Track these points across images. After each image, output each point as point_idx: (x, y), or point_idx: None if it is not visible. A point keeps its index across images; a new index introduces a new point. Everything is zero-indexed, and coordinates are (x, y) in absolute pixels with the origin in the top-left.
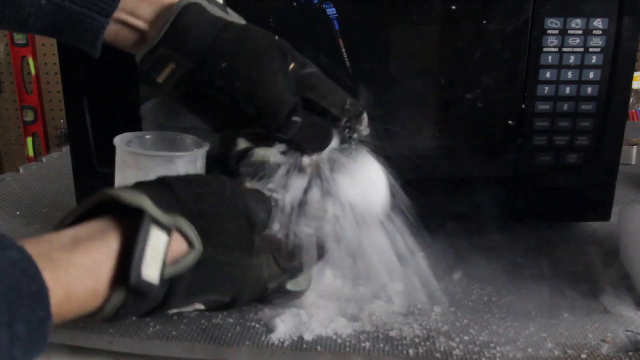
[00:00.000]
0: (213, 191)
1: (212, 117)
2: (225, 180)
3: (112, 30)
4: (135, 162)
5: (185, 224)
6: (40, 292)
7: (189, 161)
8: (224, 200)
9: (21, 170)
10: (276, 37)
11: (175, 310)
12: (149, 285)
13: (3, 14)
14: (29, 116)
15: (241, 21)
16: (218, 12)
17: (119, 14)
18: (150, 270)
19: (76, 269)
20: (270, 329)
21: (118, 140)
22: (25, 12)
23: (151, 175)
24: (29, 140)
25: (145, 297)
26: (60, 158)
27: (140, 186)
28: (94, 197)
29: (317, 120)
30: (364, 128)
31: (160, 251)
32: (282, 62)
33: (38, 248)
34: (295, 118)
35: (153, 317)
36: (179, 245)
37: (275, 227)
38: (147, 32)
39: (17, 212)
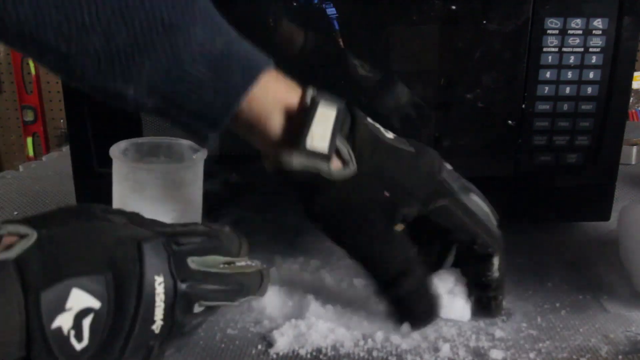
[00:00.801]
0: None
1: None
2: None
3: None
4: (132, 174)
5: (12, 226)
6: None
7: (186, 170)
8: (59, 208)
9: (21, 169)
10: (386, 194)
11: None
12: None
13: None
14: (29, 116)
15: (349, 169)
16: (319, 165)
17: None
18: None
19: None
20: (269, 343)
21: (114, 149)
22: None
23: (147, 188)
24: (29, 140)
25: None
26: (60, 158)
27: None
28: None
29: (425, 294)
30: (492, 272)
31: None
32: (386, 224)
33: None
34: (404, 277)
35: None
36: (14, 241)
37: None
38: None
39: (15, 212)
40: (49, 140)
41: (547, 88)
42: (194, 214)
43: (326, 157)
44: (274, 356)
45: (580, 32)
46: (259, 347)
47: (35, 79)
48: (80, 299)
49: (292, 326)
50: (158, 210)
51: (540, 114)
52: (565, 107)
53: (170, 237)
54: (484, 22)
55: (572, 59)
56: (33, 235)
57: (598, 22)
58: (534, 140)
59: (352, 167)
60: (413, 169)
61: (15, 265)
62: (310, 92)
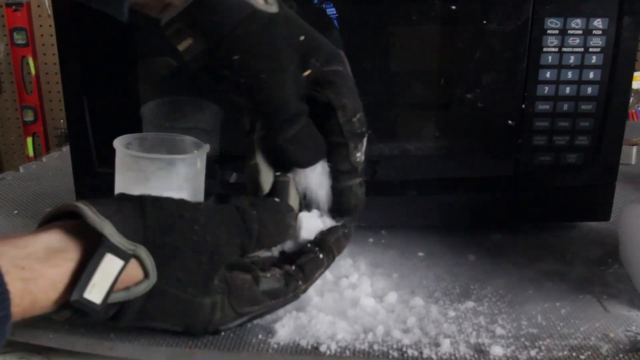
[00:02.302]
0: (183, 224)
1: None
2: (201, 212)
3: None
4: (135, 164)
5: (144, 253)
6: (1, 294)
7: (189, 163)
8: (191, 235)
9: (21, 170)
10: (302, 38)
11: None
12: (90, 304)
13: None
14: (29, 116)
15: (272, 8)
16: None
17: None
18: (95, 293)
19: (44, 281)
20: (270, 333)
21: (118, 142)
22: None
23: (151, 178)
24: (29, 140)
25: (89, 316)
26: (60, 158)
27: (112, 204)
28: (66, 206)
29: (314, 134)
30: (359, 154)
31: (111, 275)
32: (297, 66)
33: (13, 253)
34: (294, 124)
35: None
36: (135, 272)
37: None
38: (173, 1)
39: (15, 211)
40: (49, 140)
41: (547, 88)
42: None
43: None
44: (274, 346)
45: (580, 32)
46: (260, 336)
47: (35, 79)
48: None
49: (293, 318)
50: None
51: (540, 114)
52: (565, 107)
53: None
54: (484, 22)
55: (572, 59)
56: (151, 280)
57: (598, 22)
58: (534, 140)
59: (275, 5)
60: (317, 32)
61: (120, 306)
62: None
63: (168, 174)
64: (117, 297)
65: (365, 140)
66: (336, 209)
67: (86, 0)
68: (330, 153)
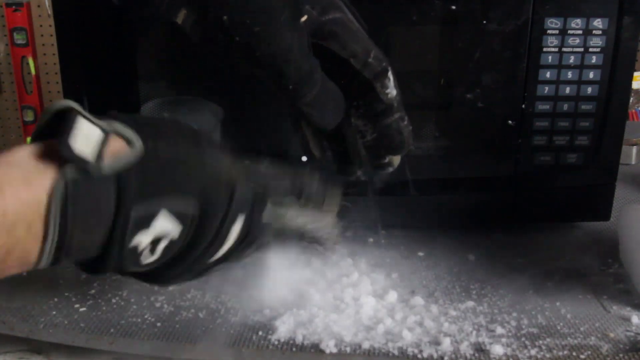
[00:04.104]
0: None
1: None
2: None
3: None
4: None
5: (121, 126)
6: None
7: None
8: (168, 120)
9: None
10: None
11: (146, 240)
12: (83, 160)
13: None
14: (29, 116)
15: None
16: None
17: None
18: (83, 147)
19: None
20: (270, 330)
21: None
22: None
23: None
24: (29, 140)
25: (90, 182)
26: None
27: None
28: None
29: (333, 92)
30: (389, 89)
31: (93, 139)
32: (290, 15)
33: None
34: (310, 84)
35: (122, 237)
36: (120, 146)
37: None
38: None
39: None
40: None
41: (547, 88)
42: None
43: None
44: (275, 342)
45: (580, 32)
46: (260, 333)
47: (35, 79)
48: (164, 223)
49: (293, 315)
50: None
51: (540, 114)
52: (565, 107)
53: (260, 180)
54: (484, 22)
55: (572, 59)
56: (138, 146)
57: (598, 22)
58: (534, 140)
59: None
60: None
61: (116, 178)
62: None
63: None
64: (110, 165)
65: (390, 74)
66: (383, 149)
67: None
68: (360, 96)
